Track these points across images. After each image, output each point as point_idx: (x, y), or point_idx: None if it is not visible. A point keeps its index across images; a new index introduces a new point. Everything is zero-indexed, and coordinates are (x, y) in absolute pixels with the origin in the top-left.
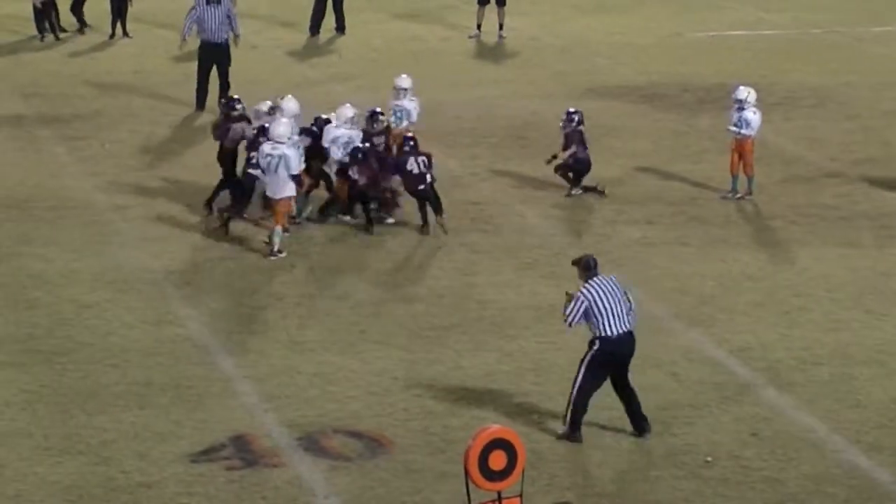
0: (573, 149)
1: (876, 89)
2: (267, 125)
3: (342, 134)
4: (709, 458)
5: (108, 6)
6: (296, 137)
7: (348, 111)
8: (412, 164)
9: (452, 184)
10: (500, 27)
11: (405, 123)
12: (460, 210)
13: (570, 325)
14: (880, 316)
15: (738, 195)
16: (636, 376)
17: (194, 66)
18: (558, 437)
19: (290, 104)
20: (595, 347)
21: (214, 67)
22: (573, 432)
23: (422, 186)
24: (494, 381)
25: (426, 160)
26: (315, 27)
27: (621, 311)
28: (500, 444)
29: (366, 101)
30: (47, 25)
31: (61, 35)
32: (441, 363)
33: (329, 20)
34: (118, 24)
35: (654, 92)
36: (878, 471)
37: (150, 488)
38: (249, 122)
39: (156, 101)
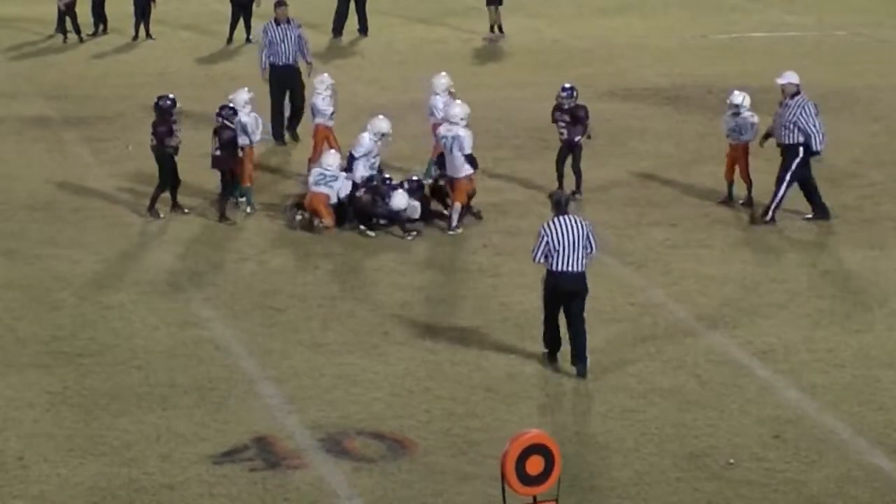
0: (588, 128)
1: None
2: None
3: (373, 148)
4: (731, 461)
5: (131, 8)
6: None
7: (383, 124)
8: None
9: (475, 185)
10: (499, 27)
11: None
12: (483, 211)
13: (535, 260)
14: None
15: (741, 201)
16: (659, 377)
17: (216, 67)
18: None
19: (240, 96)
20: (544, 279)
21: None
22: (546, 355)
23: None
24: (517, 382)
25: None
26: (338, 29)
27: (574, 251)
28: (537, 449)
29: (388, 103)
30: (70, 26)
31: (85, 37)
32: (464, 365)
33: (352, 22)
34: (141, 26)
35: (678, 94)
36: None
37: (172, 489)
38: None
39: (179, 103)
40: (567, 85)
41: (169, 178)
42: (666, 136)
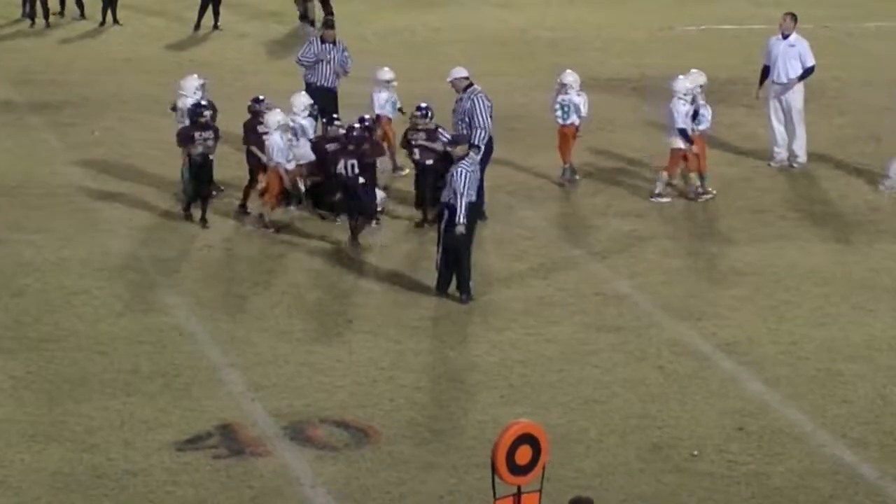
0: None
1: (867, 85)
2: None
3: (298, 125)
4: (695, 452)
5: None
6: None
7: (305, 99)
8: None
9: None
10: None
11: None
12: None
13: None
14: (868, 311)
15: (709, 194)
16: (622, 368)
17: (184, 53)
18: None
19: (190, 82)
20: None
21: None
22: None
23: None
24: (482, 372)
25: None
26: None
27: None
28: (527, 439)
29: (356, 91)
30: (39, 10)
31: (52, 22)
32: (428, 354)
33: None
34: (108, 12)
35: (646, 85)
36: (863, 466)
37: (135, 476)
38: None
39: (146, 89)
40: (423, 104)
41: (195, 185)
42: (633, 128)
